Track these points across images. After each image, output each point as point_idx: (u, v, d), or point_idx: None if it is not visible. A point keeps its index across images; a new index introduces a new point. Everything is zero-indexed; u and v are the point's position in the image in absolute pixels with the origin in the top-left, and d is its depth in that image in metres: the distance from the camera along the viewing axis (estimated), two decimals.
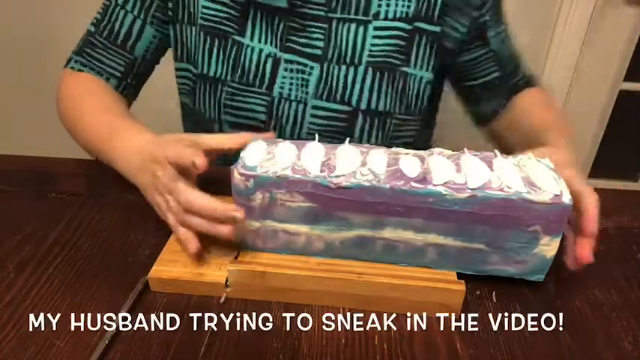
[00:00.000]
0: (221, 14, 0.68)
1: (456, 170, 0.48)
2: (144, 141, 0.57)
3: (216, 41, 0.69)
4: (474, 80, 0.76)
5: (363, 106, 0.69)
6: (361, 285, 0.49)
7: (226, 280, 0.50)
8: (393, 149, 0.52)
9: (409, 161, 0.49)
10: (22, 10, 1.52)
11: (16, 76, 1.59)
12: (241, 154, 0.50)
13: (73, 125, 0.70)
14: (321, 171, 0.48)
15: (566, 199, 0.46)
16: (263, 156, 0.50)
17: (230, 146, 0.54)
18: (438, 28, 0.69)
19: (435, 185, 0.46)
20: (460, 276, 0.50)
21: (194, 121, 0.78)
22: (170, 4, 0.70)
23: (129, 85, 0.75)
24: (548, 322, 0.49)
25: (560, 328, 0.49)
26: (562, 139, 0.63)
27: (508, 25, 0.75)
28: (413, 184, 0.47)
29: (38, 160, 0.72)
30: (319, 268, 0.50)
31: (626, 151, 1.70)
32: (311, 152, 0.50)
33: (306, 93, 0.69)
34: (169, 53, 0.76)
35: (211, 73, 0.70)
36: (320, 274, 0.49)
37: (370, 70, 0.68)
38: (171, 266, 0.51)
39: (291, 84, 0.69)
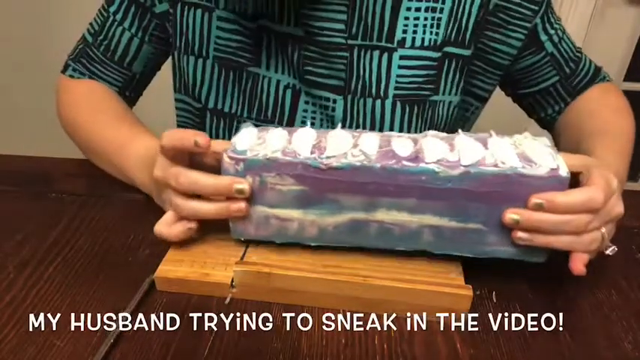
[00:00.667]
0: (234, 44, 0.63)
1: (449, 149, 0.47)
2: (154, 148, 0.55)
3: (231, 74, 0.64)
4: (533, 87, 0.73)
5: None
6: (366, 288, 0.48)
7: (232, 281, 0.50)
8: (386, 132, 0.51)
9: (401, 142, 0.48)
10: (22, 9, 1.52)
11: (15, 75, 1.59)
12: (232, 140, 0.50)
13: (76, 130, 0.68)
14: (312, 153, 0.47)
15: (563, 172, 0.45)
16: (254, 140, 0.49)
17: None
18: (468, 52, 0.65)
19: (427, 163, 0.45)
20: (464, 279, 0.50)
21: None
22: (170, 30, 0.66)
23: (127, 97, 0.74)
24: (548, 322, 0.49)
25: (560, 328, 0.49)
26: (608, 153, 0.59)
27: (560, 20, 0.71)
28: (405, 162, 0.45)
29: (38, 160, 0.72)
30: (325, 270, 0.49)
31: None
32: (302, 136, 0.49)
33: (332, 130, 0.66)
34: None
35: (226, 109, 0.66)
36: (325, 277, 0.49)
37: (399, 103, 0.63)
38: (177, 266, 0.51)
39: (314, 119, 0.65)
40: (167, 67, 0.78)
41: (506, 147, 0.47)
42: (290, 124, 0.65)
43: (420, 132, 0.65)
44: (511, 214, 0.45)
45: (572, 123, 0.72)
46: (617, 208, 0.48)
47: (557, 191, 0.45)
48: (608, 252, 0.49)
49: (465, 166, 0.45)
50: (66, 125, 0.71)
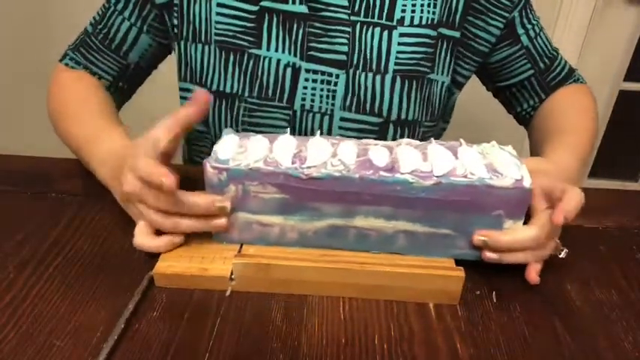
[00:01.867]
0: (235, 28, 0.65)
1: (422, 159, 0.50)
2: (119, 147, 0.57)
3: (232, 56, 0.66)
4: (508, 80, 0.76)
5: (394, 116, 0.67)
6: (363, 274, 0.50)
7: (231, 274, 0.50)
8: (363, 140, 0.54)
9: (378, 151, 0.51)
10: (22, 8, 1.52)
11: (16, 75, 1.59)
12: (214, 148, 0.51)
13: (57, 120, 0.70)
14: (293, 162, 0.49)
15: (527, 183, 0.48)
16: (235, 149, 0.51)
17: (176, 131, 0.50)
18: (457, 34, 0.68)
19: (402, 174, 0.48)
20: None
21: (195, 145, 0.77)
22: (175, 21, 0.67)
23: (120, 88, 0.75)
24: (549, 322, 0.49)
25: (560, 329, 0.49)
26: (561, 151, 0.62)
27: (539, 19, 0.74)
28: (381, 173, 0.48)
29: (38, 160, 0.72)
30: (322, 259, 0.51)
31: (626, 151, 1.70)
32: (283, 145, 0.52)
33: (333, 104, 0.67)
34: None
35: (227, 90, 0.67)
36: (323, 265, 0.50)
37: (399, 78, 0.66)
38: (176, 261, 0.51)
39: (314, 95, 0.66)
40: (170, 62, 0.78)
41: (474, 157, 0.51)
42: (290, 101, 0.67)
43: (420, 110, 0.68)
44: (479, 237, 0.50)
45: (538, 122, 0.75)
46: (569, 213, 0.49)
47: (522, 200, 0.49)
48: (561, 255, 0.52)
49: (437, 176, 0.48)
50: (50, 116, 0.72)
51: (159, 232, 0.52)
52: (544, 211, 0.51)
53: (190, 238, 0.53)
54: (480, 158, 0.51)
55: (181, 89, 0.72)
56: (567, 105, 0.73)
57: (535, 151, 0.73)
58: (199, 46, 0.67)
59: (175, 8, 0.67)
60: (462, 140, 0.54)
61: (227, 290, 0.51)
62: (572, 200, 0.49)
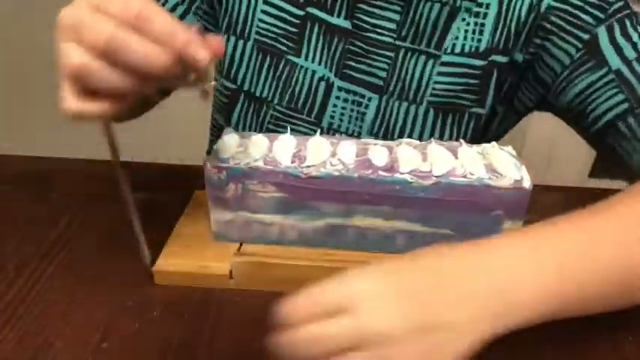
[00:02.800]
0: (277, 30, 0.62)
1: (422, 159, 0.50)
2: None
3: (268, 59, 0.63)
4: (598, 121, 0.55)
5: None
6: None
7: (230, 272, 0.51)
8: (363, 140, 0.54)
9: (377, 151, 0.51)
10: (22, 9, 1.52)
11: (16, 75, 1.59)
12: (214, 147, 0.52)
13: None
14: (292, 162, 0.49)
15: (526, 184, 0.48)
16: (235, 148, 0.51)
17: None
18: (520, 57, 0.59)
19: (401, 173, 0.48)
20: None
21: (214, 137, 0.75)
22: (218, 8, 0.64)
23: None
24: (548, 322, 0.49)
25: (560, 328, 0.49)
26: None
27: None
28: (380, 172, 0.49)
29: (38, 160, 0.72)
30: (321, 258, 0.51)
31: None
32: (282, 144, 0.52)
33: (360, 127, 0.63)
34: None
35: (257, 93, 0.65)
36: (322, 264, 0.50)
37: (432, 110, 0.61)
38: (176, 259, 0.51)
39: (343, 115, 0.63)
40: None
41: (474, 157, 0.51)
42: (318, 117, 0.64)
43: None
44: None
45: None
46: None
47: (521, 201, 0.48)
48: None
49: (436, 176, 0.48)
50: None
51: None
52: None
53: (190, 237, 0.53)
54: (479, 158, 0.51)
55: None
56: None
57: None
58: (232, 38, 0.65)
59: None
60: (462, 140, 0.54)
61: (227, 289, 0.51)
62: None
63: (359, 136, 0.64)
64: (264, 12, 0.63)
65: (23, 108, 1.61)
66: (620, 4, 0.54)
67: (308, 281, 0.50)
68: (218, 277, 0.51)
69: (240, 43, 0.65)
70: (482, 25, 0.58)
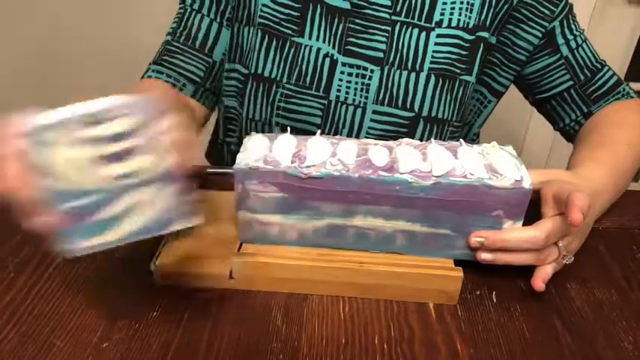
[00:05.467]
0: (280, 15, 0.67)
1: (422, 159, 0.50)
2: None
3: (274, 42, 0.67)
4: (547, 92, 0.75)
5: (425, 112, 0.68)
6: (362, 273, 0.50)
7: (230, 272, 0.50)
8: (363, 140, 0.54)
9: (378, 151, 0.51)
10: (23, 9, 1.52)
11: (16, 75, 1.59)
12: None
13: None
14: (292, 162, 0.49)
15: (526, 184, 0.48)
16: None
17: None
18: (494, 39, 0.69)
19: (401, 174, 0.48)
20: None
21: (230, 125, 0.76)
22: (233, 3, 0.69)
23: (207, 90, 0.73)
24: (549, 322, 0.49)
25: (560, 329, 0.49)
26: (590, 164, 0.60)
27: (583, 31, 0.72)
28: (380, 172, 0.49)
29: None
30: (321, 258, 0.51)
31: None
32: (282, 144, 0.52)
33: (366, 98, 0.68)
34: None
35: (266, 74, 0.68)
36: (322, 264, 0.50)
37: (433, 76, 0.67)
38: (176, 259, 0.51)
39: (349, 87, 0.68)
40: None
41: (474, 157, 0.51)
42: (326, 90, 0.68)
43: (451, 109, 0.69)
44: (476, 237, 0.50)
45: (580, 138, 0.72)
46: (575, 222, 0.47)
47: (521, 201, 0.49)
48: (565, 261, 0.52)
49: (436, 176, 0.48)
50: None
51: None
52: (550, 217, 0.50)
53: (190, 237, 0.53)
54: (479, 158, 0.51)
55: (227, 70, 0.72)
56: (610, 121, 0.71)
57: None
58: (251, 29, 0.68)
59: None
60: (462, 140, 0.54)
61: (227, 289, 0.51)
62: (580, 200, 0.47)
63: (365, 105, 0.68)
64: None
65: (23, 108, 1.61)
66: (568, 2, 0.70)
67: (308, 281, 0.51)
68: (218, 277, 0.51)
69: (252, 30, 0.68)
70: (472, 4, 0.67)
